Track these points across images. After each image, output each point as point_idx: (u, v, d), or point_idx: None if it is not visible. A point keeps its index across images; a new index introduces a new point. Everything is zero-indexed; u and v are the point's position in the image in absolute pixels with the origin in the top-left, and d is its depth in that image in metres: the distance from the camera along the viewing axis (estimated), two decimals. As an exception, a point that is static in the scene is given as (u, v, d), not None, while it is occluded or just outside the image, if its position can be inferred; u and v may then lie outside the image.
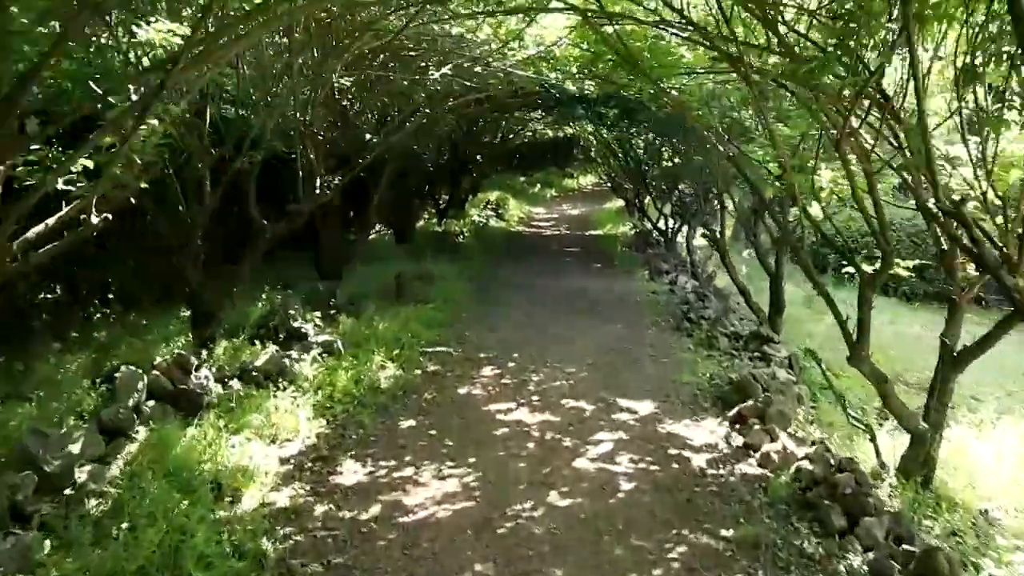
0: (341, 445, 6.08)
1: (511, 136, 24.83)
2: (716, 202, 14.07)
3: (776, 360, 8.56)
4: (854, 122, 5.24)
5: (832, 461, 5.54)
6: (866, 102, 5.28)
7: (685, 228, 17.88)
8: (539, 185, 35.57)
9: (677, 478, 5.69)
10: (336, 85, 8.11)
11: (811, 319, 13.16)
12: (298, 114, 7.45)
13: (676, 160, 16.18)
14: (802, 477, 5.51)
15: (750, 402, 6.87)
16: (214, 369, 6.96)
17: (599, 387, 7.83)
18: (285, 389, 6.78)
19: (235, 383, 6.87)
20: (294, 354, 7.71)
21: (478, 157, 23.19)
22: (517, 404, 7.24)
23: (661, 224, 19.97)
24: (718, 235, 12.69)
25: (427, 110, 10.26)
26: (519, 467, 5.79)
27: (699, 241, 17.44)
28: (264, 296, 10.20)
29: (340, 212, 12.80)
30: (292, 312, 9.21)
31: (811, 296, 14.18)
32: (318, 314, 9.51)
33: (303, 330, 8.63)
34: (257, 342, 8.16)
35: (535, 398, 7.43)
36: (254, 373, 7.02)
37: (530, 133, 30.11)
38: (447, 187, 23.17)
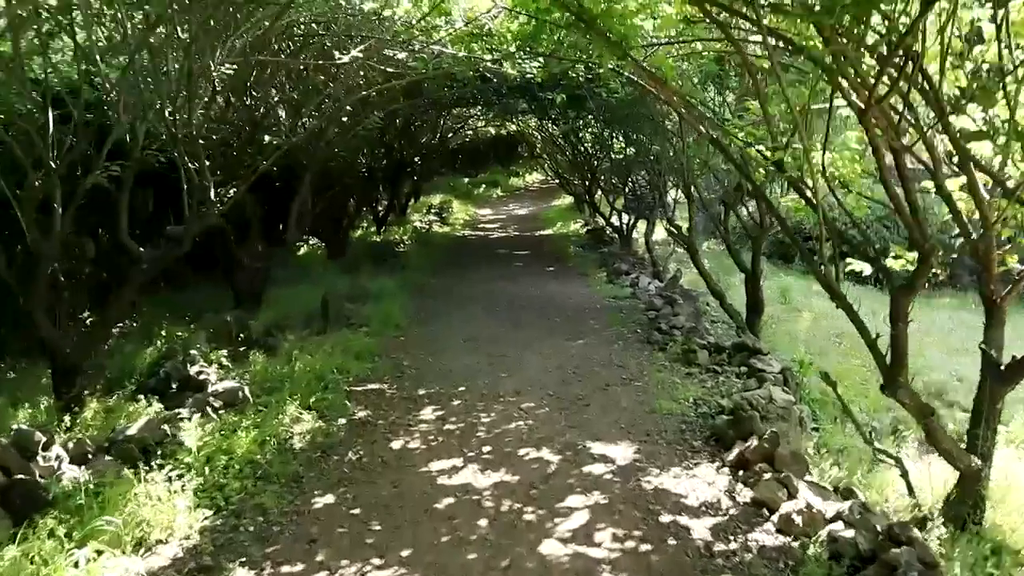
0: (231, 544, 4.58)
1: (450, 135, 23.36)
2: (678, 193, 12.78)
3: (768, 376, 7.26)
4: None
5: (879, 527, 4.22)
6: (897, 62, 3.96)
7: (643, 223, 16.66)
8: (484, 185, 34.17)
9: (678, 562, 4.31)
10: (223, 75, 6.57)
11: (789, 317, 11.98)
12: (172, 112, 5.91)
13: (629, 150, 14.89)
14: (841, 550, 4.18)
15: (753, 441, 5.53)
16: (72, 444, 5.42)
17: (564, 427, 6.45)
18: (163, 466, 5.26)
19: (101, 460, 5.34)
20: (184, 412, 6.18)
21: (416, 159, 21.72)
22: (464, 459, 5.81)
23: (615, 220, 18.72)
24: (685, 231, 11.40)
25: (344, 105, 8.74)
26: (468, 560, 4.36)
27: (656, 236, 16.25)
28: (163, 333, 8.67)
29: (261, 228, 11.22)
30: (194, 352, 7.71)
31: (784, 288, 13.03)
32: (225, 353, 7.99)
33: (202, 376, 7.11)
34: (142, 397, 6.63)
35: (486, 448, 6.01)
36: (126, 445, 5.49)
37: (471, 131, 28.71)
38: (386, 193, 21.70)
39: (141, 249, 6.47)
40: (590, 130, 18.05)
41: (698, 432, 6.32)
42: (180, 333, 8.54)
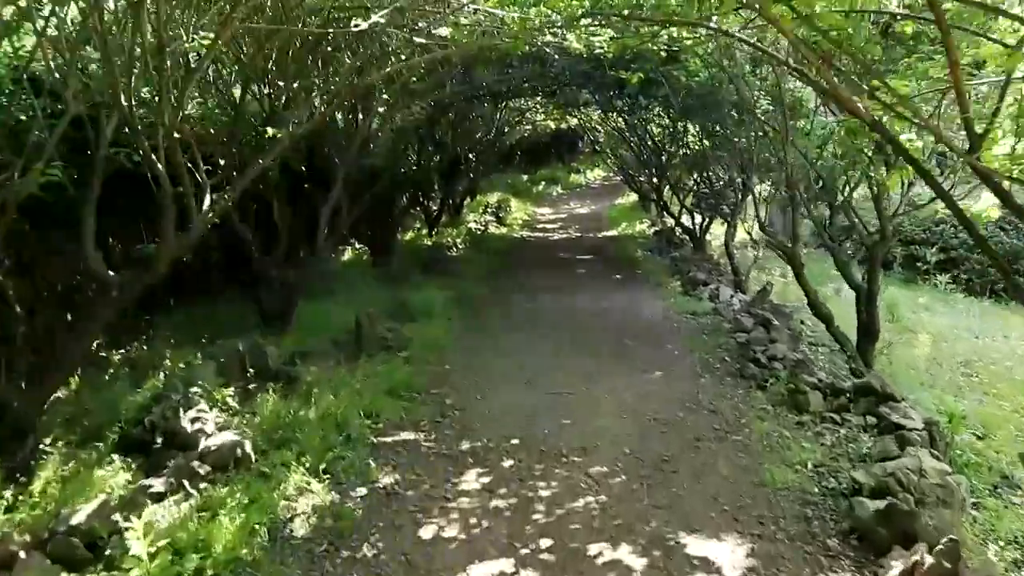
0: None
1: (507, 130, 21.87)
2: (772, 191, 11.07)
3: (911, 435, 5.60)
4: None
5: None
6: None
7: (723, 225, 14.98)
8: (544, 183, 32.60)
9: None
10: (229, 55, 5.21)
11: (902, 339, 10.19)
12: (138, 96, 4.55)
13: (704, 143, 13.24)
14: None
15: (919, 552, 3.93)
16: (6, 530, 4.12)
17: (647, 507, 4.92)
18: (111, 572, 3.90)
19: (32, 561, 4.02)
20: (157, 486, 4.85)
21: (471, 155, 20.32)
22: (515, 560, 4.34)
23: (686, 220, 17.04)
24: (784, 237, 9.69)
25: (362, 84, 7.30)
26: None
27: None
28: (167, 364, 7.40)
29: (291, 236, 9.90)
30: (195, 391, 6.41)
31: (890, 303, 11.25)
32: (231, 392, 6.67)
33: (197, 426, 5.78)
34: (116, 457, 5.33)
35: (544, 543, 4.51)
36: (68, 539, 4.16)
37: (529, 126, 27.22)
38: (439, 192, 20.36)
39: (111, 273, 5.12)
40: (660, 121, 16.46)
41: (829, 521, 4.72)
42: (183, 364, 7.23)
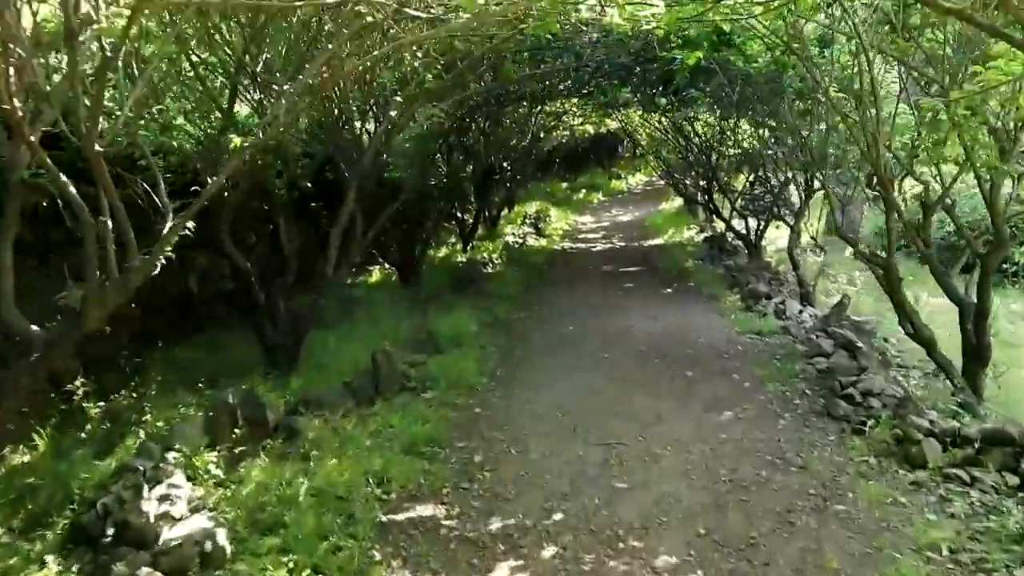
0: None
1: (543, 136, 20.66)
2: (849, 190, 9.67)
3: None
4: None
5: None
6: None
7: (777, 229, 13.63)
8: (584, 190, 31.34)
9: None
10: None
11: (1007, 358, 8.72)
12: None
13: (762, 137, 11.90)
14: None
15: None
16: None
17: (737, 624, 3.67)
18: None
19: None
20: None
21: (506, 164, 19.16)
22: None
23: (739, 225, 15.67)
24: (874, 249, 8.35)
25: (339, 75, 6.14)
26: None
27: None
28: (148, 418, 6.34)
29: (302, 259, 8.80)
30: (173, 457, 5.35)
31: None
32: (215, 457, 5.56)
33: (165, 508, 4.67)
34: (51, 560, 4.23)
35: None
36: None
37: (567, 131, 25.99)
38: (473, 204, 19.25)
39: (34, 328, 4.02)
40: (707, 118, 15.13)
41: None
42: (163, 422, 6.14)
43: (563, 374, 8.00)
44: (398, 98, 7.29)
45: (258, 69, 6.39)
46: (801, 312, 10.23)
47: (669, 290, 12.95)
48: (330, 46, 4.82)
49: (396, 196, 10.01)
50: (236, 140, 4.60)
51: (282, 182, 8.15)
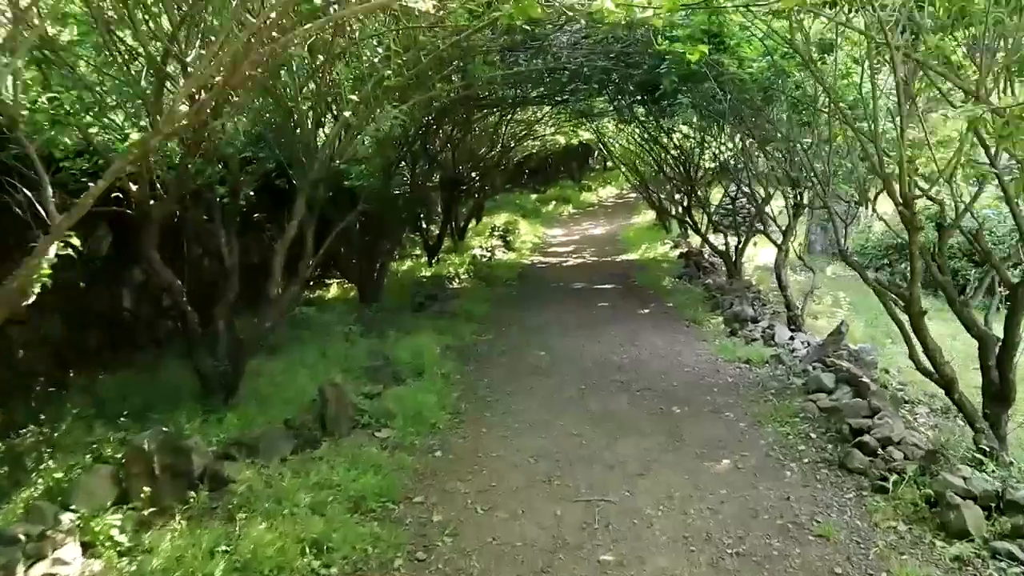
0: None
1: (513, 145, 19.85)
2: (848, 206, 8.94)
3: None
4: None
5: None
6: None
7: (764, 248, 12.93)
8: (554, 202, 30.58)
9: None
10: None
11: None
12: None
13: (756, 148, 11.17)
14: None
15: None
16: None
17: None
18: None
19: None
20: None
21: (474, 174, 18.34)
22: None
23: (715, 240, 14.98)
24: (894, 278, 7.57)
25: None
26: None
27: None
28: (52, 464, 5.37)
29: (247, 274, 7.83)
30: (67, 521, 4.42)
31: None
32: (119, 519, 4.61)
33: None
34: None
35: None
36: None
37: (537, 142, 25.24)
38: (438, 216, 18.39)
39: None
40: (686, 128, 14.43)
41: None
42: (66, 473, 5.17)
43: (535, 410, 7.14)
44: (354, 97, 6.39)
45: (189, 59, 5.47)
46: (792, 339, 9.48)
47: (646, 311, 12.16)
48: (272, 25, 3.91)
49: (353, 206, 9.11)
50: (134, 137, 3.68)
51: (226, 190, 7.25)
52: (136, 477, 5.05)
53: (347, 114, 6.41)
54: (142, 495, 4.97)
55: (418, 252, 17.63)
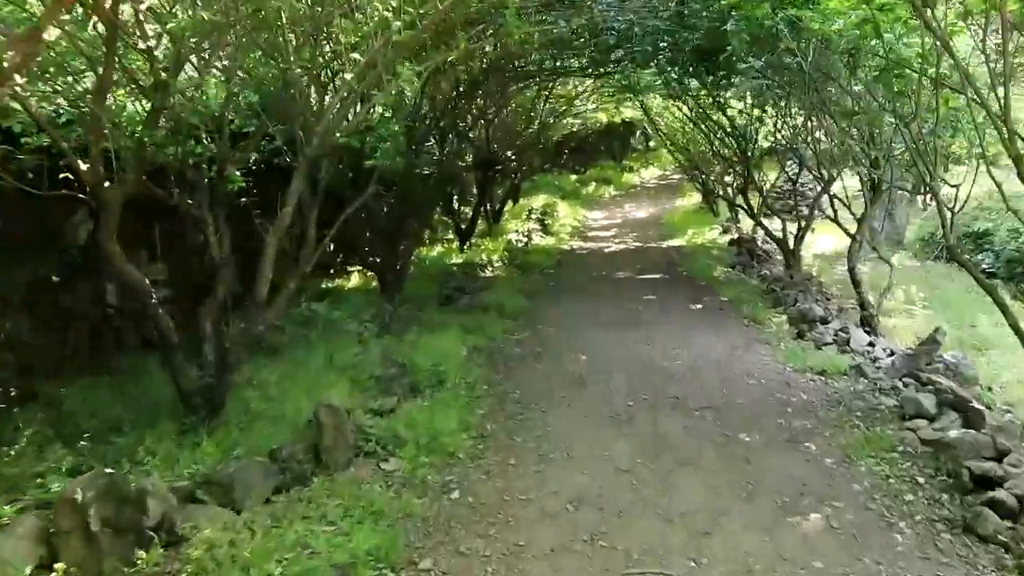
0: None
1: (552, 121, 18.54)
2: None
3: None
4: None
5: None
6: None
7: (831, 237, 11.58)
8: (594, 184, 29.22)
9: None
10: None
11: None
12: None
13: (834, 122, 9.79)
14: None
15: None
16: None
17: None
18: None
19: None
20: None
21: (510, 153, 17.14)
22: None
23: (772, 227, 13.65)
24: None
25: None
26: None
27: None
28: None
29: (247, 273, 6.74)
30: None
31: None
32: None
33: None
34: None
35: None
36: None
37: (579, 121, 23.92)
38: (471, 198, 17.24)
39: None
40: (742, 104, 13.06)
41: None
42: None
43: (575, 434, 5.97)
44: (357, 56, 5.23)
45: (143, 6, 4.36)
46: (871, 344, 8.19)
47: (698, 306, 10.91)
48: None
49: (364, 188, 7.98)
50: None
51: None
52: (67, 535, 3.99)
53: (348, 76, 5.24)
54: (77, 556, 3.92)
55: (450, 236, 16.49)
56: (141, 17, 4.18)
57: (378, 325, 8.76)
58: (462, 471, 5.36)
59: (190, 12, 4.26)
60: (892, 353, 7.84)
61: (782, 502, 4.76)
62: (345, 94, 5.47)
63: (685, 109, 15.37)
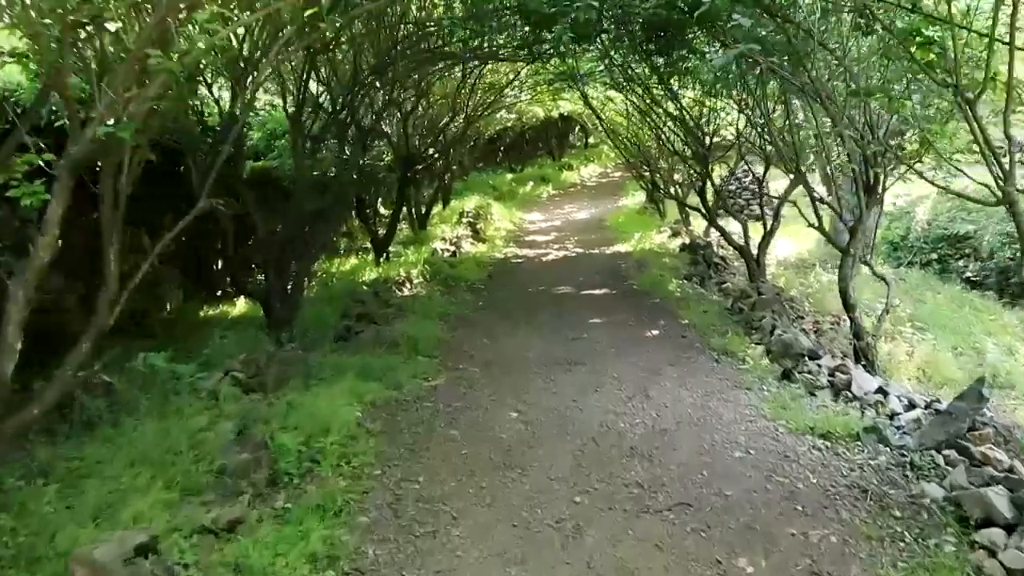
0: None
1: (479, 114, 16.53)
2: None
3: None
4: None
5: None
6: None
7: (790, 241, 9.83)
8: (531, 182, 27.36)
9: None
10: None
11: None
12: None
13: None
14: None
15: None
16: None
17: None
18: None
19: None
20: None
21: (432, 151, 15.13)
22: None
23: (730, 227, 11.95)
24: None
25: None
26: None
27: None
28: None
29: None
30: None
31: None
32: None
33: None
34: None
35: None
36: None
37: (513, 115, 21.99)
38: (388, 201, 15.21)
39: None
40: (695, 94, 11.34)
41: None
42: None
43: (494, 572, 4.01)
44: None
45: None
46: (882, 392, 6.41)
47: (655, 331, 9.04)
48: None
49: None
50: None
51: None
52: None
53: (111, 27, 3.19)
54: None
55: (368, 246, 14.39)
56: None
57: (248, 375, 6.68)
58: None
59: None
60: (911, 405, 6.07)
61: None
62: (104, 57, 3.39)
63: (633, 98, 13.56)
